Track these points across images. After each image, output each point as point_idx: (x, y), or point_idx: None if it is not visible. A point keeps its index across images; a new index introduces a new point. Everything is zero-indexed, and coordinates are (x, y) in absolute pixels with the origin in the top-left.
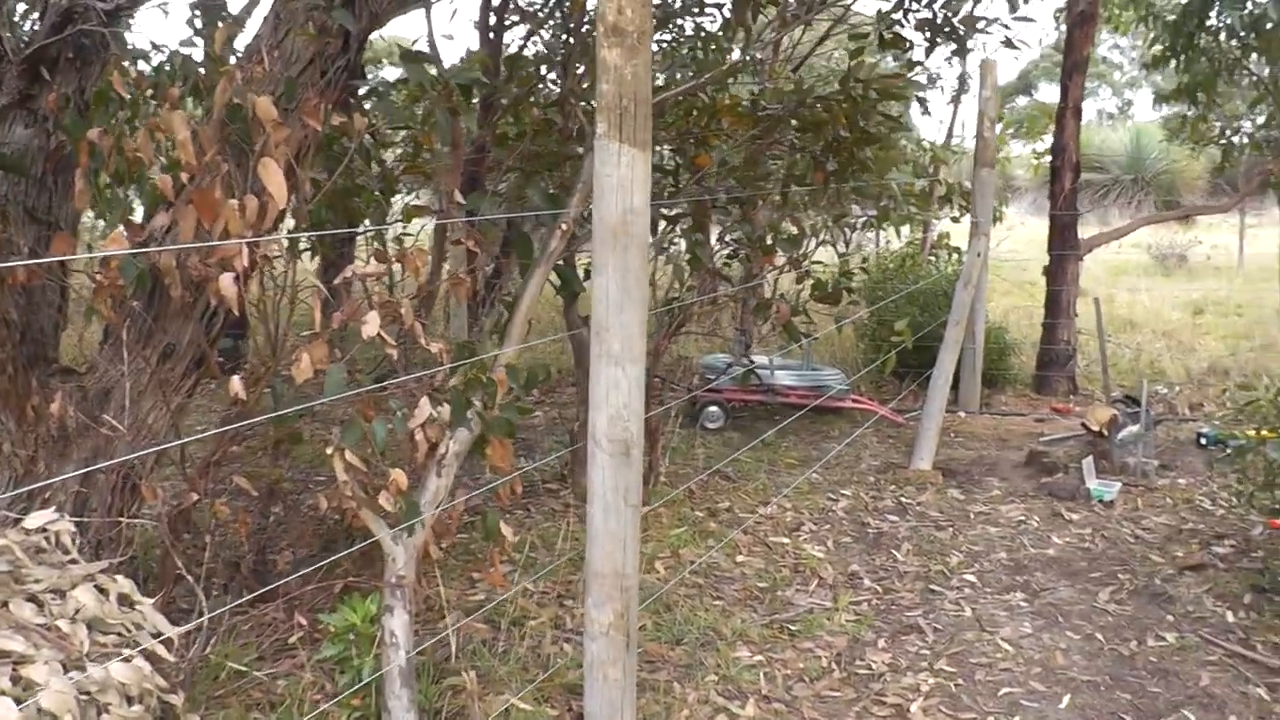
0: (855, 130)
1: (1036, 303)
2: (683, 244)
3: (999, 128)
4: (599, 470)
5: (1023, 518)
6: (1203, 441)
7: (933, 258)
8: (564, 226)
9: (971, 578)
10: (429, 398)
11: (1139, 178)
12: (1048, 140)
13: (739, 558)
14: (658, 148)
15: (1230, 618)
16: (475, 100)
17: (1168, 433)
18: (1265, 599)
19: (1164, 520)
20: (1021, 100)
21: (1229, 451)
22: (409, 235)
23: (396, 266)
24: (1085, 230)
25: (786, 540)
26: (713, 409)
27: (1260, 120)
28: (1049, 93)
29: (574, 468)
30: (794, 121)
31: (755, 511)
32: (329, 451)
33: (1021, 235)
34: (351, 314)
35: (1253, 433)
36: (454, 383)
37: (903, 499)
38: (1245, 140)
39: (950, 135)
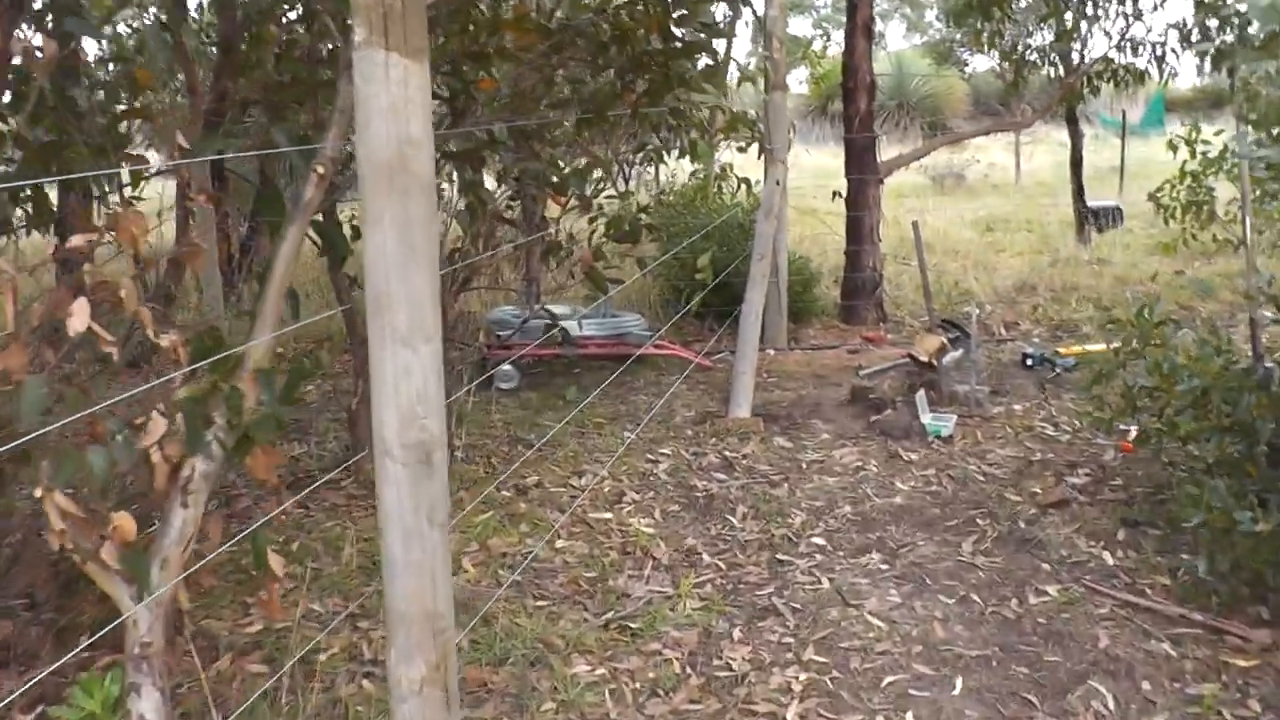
0: (669, 40)
1: (828, 229)
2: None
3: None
4: (392, 486)
5: (859, 463)
6: (1029, 363)
7: (717, 189)
8: (320, 171)
9: (820, 540)
10: (164, 408)
11: (903, 103)
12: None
13: (559, 543)
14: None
15: (1110, 559)
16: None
17: (990, 355)
18: (1140, 533)
19: (1009, 453)
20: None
21: (1057, 371)
22: (140, 199)
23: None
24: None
25: (609, 515)
26: (506, 368)
27: (1050, 36)
28: (798, 26)
29: (355, 452)
30: (594, 35)
31: (569, 484)
32: (38, 494)
33: (804, 163)
34: (57, 304)
35: (1099, 349)
36: (185, 393)
37: (727, 453)
38: (1035, 57)
39: (727, 61)
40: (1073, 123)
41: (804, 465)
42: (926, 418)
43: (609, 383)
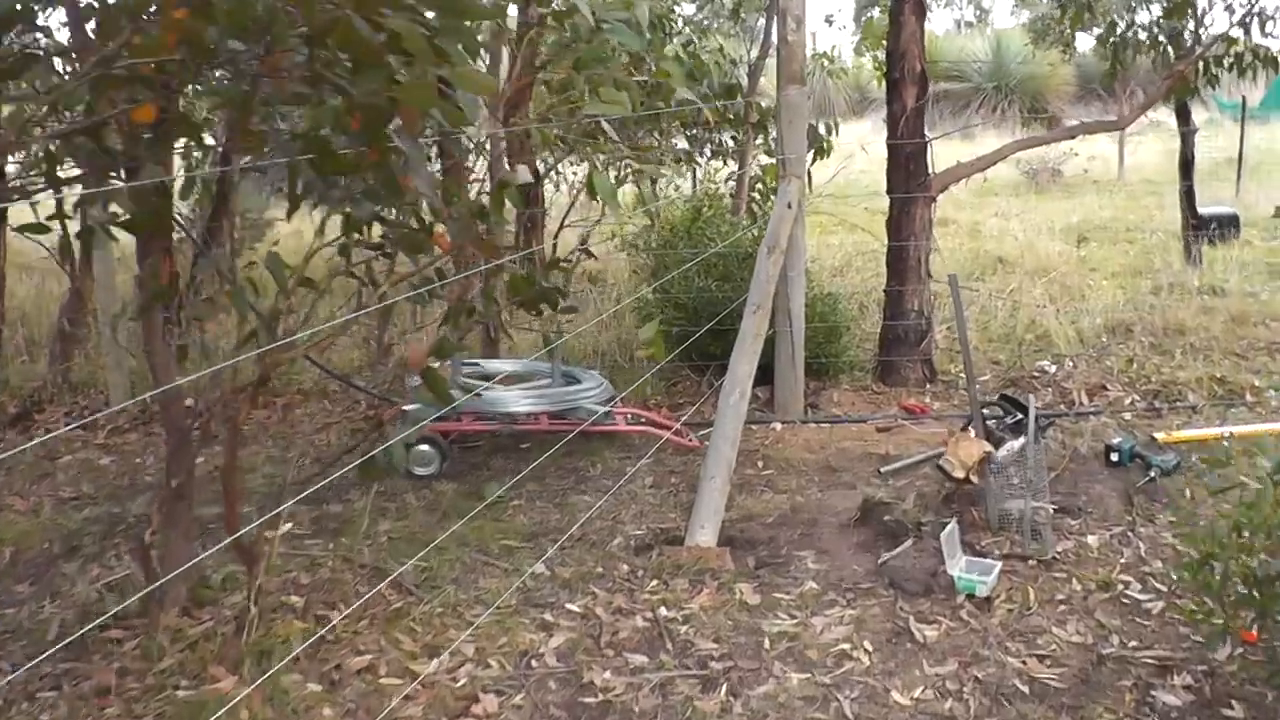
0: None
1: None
2: None
3: (852, 43)
4: None
5: (848, 644)
6: (1114, 457)
7: (755, 196)
8: None
9: None
10: None
11: (1001, 85)
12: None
13: None
14: None
15: None
16: None
17: (1063, 439)
18: None
19: (1072, 635)
20: (876, 12)
21: (1153, 474)
22: None
23: None
24: (947, 152)
25: None
26: (423, 448)
27: (1155, 12)
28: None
29: (149, 597)
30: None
31: (411, 669)
32: None
33: (876, 157)
34: None
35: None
36: None
37: (664, 612)
38: (1141, 37)
39: (766, 47)
40: (1183, 118)
41: (766, 644)
42: (956, 567)
43: (556, 466)
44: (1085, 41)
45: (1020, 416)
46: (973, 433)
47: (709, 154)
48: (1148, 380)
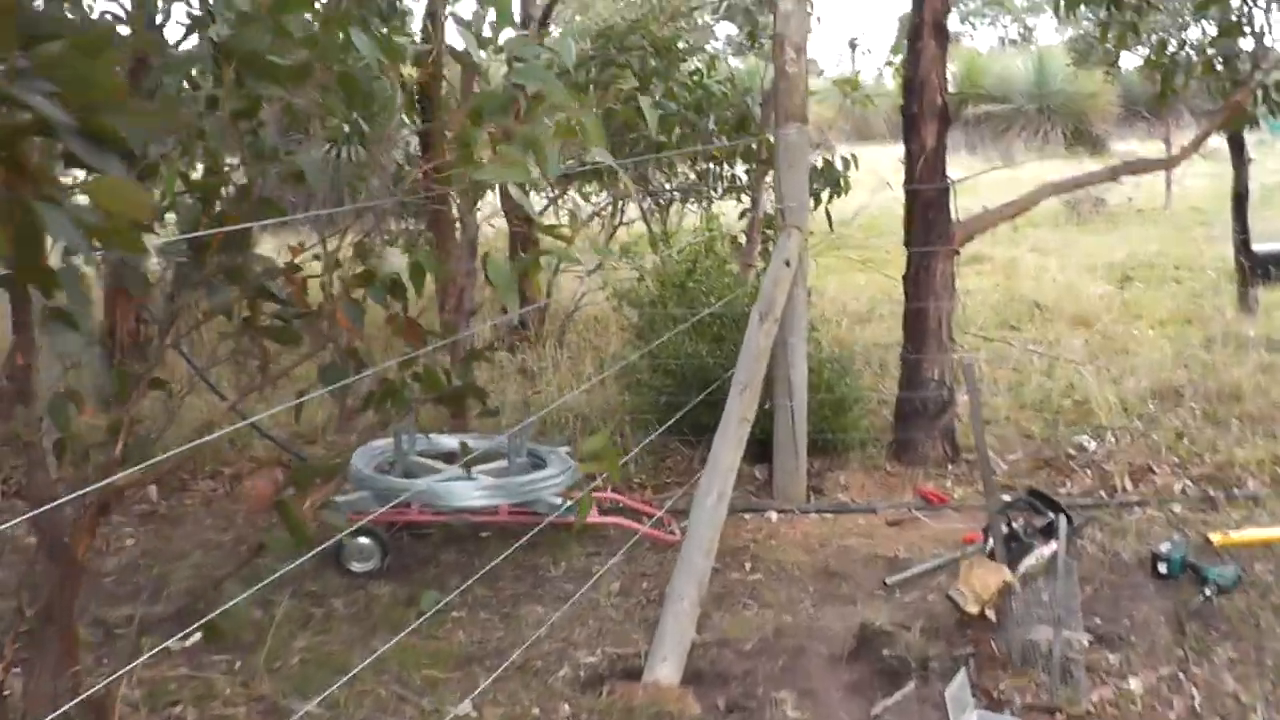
0: None
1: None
2: None
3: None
4: None
5: None
6: (1162, 568)
7: (769, 235)
8: None
9: None
10: None
11: (1044, 107)
12: None
13: None
14: None
15: None
16: None
17: (1101, 544)
18: None
19: None
20: None
21: (1207, 592)
22: None
23: None
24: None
25: None
26: (361, 541)
27: (1210, 30)
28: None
29: None
30: None
31: None
32: None
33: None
34: None
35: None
36: None
37: None
38: (1192, 58)
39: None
40: (1237, 150)
41: None
42: None
43: (515, 564)
44: (1130, 59)
45: (1050, 518)
46: (990, 544)
47: (720, 192)
48: (1200, 460)
